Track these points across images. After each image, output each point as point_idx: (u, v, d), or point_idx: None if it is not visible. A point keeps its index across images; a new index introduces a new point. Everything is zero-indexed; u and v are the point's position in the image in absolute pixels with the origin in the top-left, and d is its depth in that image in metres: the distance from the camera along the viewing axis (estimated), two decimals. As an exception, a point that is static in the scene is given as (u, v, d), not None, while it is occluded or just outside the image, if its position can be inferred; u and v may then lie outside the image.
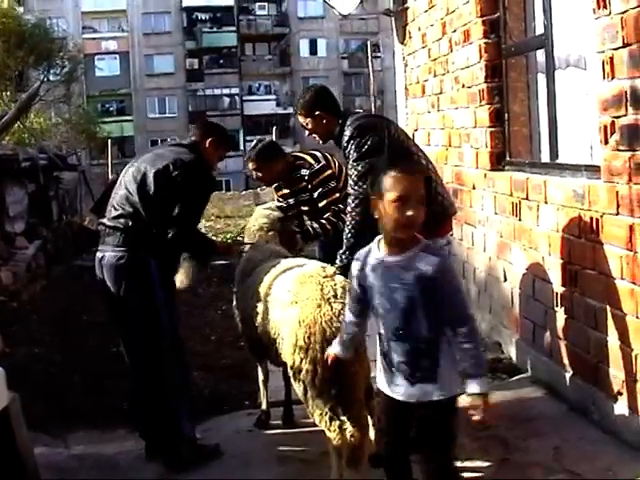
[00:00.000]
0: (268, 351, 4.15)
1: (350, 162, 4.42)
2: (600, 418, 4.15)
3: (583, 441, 4.06)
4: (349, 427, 3.54)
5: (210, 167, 4.62)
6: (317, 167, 5.21)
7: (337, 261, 4.25)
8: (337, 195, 5.19)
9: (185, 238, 4.36)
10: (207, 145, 4.57)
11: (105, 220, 4.38)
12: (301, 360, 3.60)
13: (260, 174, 5.31)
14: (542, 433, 4.24)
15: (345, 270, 3.91)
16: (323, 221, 5.16)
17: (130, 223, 4.25)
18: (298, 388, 3.71)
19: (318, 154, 5.34)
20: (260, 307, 4.07)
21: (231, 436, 4.60)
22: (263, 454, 4.31)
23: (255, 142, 5.51)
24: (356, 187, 4.33)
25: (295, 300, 3.74)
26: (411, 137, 5.21)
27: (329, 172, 5.24)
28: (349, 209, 4.37)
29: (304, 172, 5.22)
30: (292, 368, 3.69)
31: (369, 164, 4.26)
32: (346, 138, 4.43)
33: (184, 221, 4.28)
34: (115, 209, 4.33)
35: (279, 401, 4.77)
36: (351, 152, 4.40)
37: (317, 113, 4.65)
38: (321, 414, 3.60)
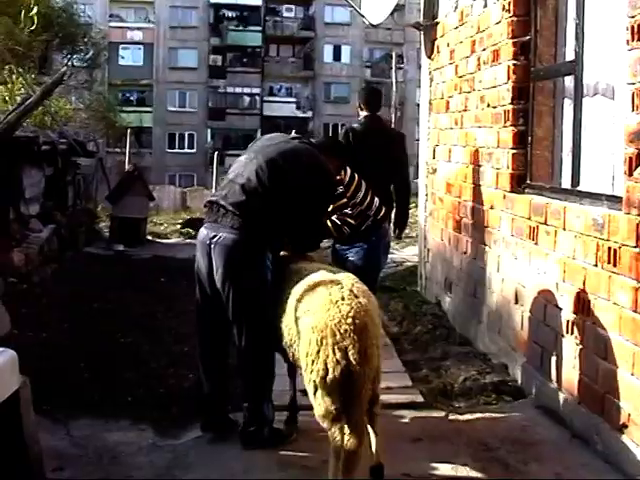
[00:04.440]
0: (284, 351, 4.31)
1: None
2: (603, 448, 4.17)
3: (584, 469, 4.07)
4: (347, 432, 3.63)
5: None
6: None
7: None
8: (344, 201, 5.32)
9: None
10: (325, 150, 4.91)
11: (222, 201, 4.44)
12: (313, 362, 3.73)
13: None
14: (544, 458, 4.25)
15: None
16: (329, 224, 5.28)
17: (252, 208, 4.35)
18: (308, 387, 3.83)
19: None
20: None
21: (232, 437, 4.59)
22: (264, 458, 4.31)
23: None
24: None
25: (308, 309, 3.90)
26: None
27: (337, 178, 5.29)
28: None
29: None
30: (305, 369, 3.81)
31: None
32: None
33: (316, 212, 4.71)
34: (237, 193, 4.40)
35: (283, 405, 4.79)
36: None
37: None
38: (325, 415, 3.74)
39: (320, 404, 3.76)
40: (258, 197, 4.37)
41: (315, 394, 3.78)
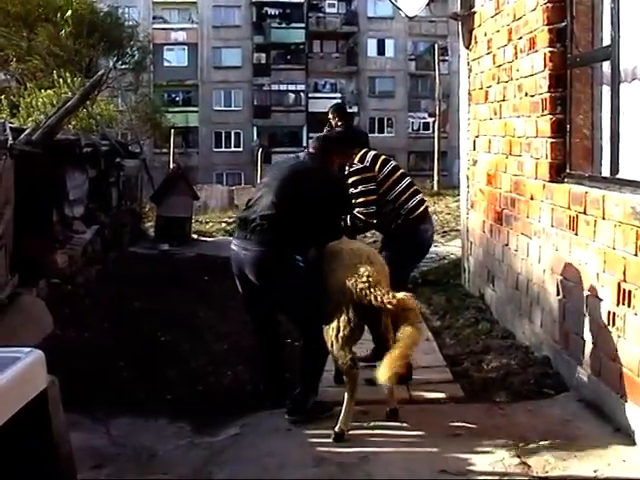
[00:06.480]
0: None
1: None
2: (646, 443, 4.05)
3: (625, 466, 3.96)
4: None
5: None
6: (355, 168, 5.47)
7: None
8: (373, 197, 5.42)
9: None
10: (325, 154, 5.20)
11: (252, 216, 4.83)
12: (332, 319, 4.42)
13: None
14: (584, 454, 4.14)
15: None
16: (348, 218, 5.39)
17: (279, 222, 4.74)
18: (327, 340, 4.45)
19: (369, 156, 5.57)
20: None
21: (269, 434, 4.59)
22: (299, 454, 4.30)
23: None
24: None
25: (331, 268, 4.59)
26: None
27: (367, 175, 5.46)
28: None
29: (347, 170, 5.50)
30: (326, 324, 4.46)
31: None
32: None
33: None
34: (265, 209, 4.80)
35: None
36: None
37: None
38: (343, 362, 4.44)
39: (336, 354, 4.46)
40: (282, 212, 4.76)
41: (332, 347, 4.42)
